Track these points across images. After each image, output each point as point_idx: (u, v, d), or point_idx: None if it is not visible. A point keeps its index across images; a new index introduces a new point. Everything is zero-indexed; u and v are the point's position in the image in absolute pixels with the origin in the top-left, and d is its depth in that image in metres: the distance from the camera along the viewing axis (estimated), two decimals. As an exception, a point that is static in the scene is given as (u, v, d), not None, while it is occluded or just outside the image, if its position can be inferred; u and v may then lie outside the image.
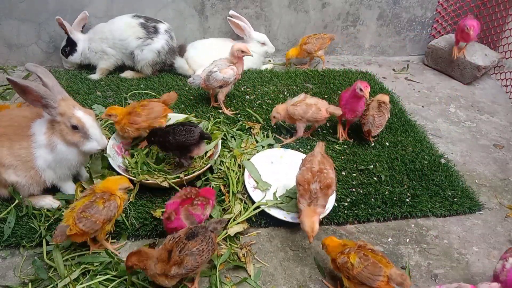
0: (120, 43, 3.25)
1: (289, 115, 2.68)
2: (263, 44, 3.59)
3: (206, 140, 2.35)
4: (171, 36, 3.34)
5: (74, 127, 1.98)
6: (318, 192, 2.00)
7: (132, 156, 2.47)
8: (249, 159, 2.50)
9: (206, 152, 2.49)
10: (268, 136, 2.78)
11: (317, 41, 3.61)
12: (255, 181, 2.36)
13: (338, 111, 2.68)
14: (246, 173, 2.38)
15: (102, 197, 1.87)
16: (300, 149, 2.72)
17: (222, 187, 2.34)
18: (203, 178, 2.34)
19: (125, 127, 2.41)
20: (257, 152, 2.59)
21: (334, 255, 1.81)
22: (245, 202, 2.26)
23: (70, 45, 3.30)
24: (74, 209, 1.85)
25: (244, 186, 2.33)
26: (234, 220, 2.15)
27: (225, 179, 2.38)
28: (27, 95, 1.91)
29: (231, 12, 3.57)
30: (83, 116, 2.00)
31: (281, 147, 2.68)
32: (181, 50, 3.46)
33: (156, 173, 2.33)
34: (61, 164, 2.07)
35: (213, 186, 2.32)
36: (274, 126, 2.87)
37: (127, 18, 3.25)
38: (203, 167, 2.32)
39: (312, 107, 2.65)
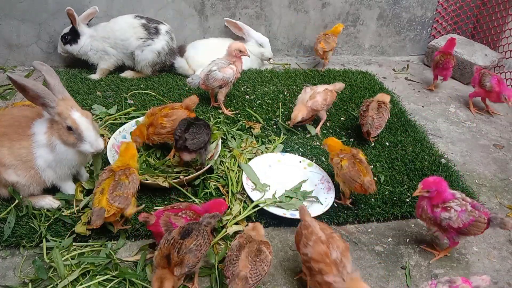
0: (121, 43, 3.25)
1: (313, 110, 2.78)
2: (260, 45, 3.57)
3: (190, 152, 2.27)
4: (171, 37, 3.34)
5: (69, 128, 1.98)
6: None
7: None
8: (249, 160, 2.50)
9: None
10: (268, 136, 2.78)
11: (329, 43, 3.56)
12: (254, 183, 2.35)
13: (341, 85, 2.92)
14: (245, 175, 2.38)
15: (124, 174, 1.97)
16: (300, 149, 2.72)
17: (221, 188, 2.34)
18: (202, 178, 2.34)
19: (151, 137, 2.41)
20: (259, 152, 2.60)
21: (333, 155, 2.31)
22: (244, 202, 2.26)
23: (73, 35, 3.26)
24: (104, 192, 1.91)
25: (243, 187, 2.33)
26: (234, 218, 2.15)
27: (224, 178, 2.38)
28: (26, 93, 1.92)
29: (226, 19, 3.58)
30: (79, 118, 1.99)
31: (278, 152, 2.66)
32: (180, 50, 3.46)
33: (156, 172, 2.33)
34: (61, 164, 2.07)
35: (211, 187, 2.33)
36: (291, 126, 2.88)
37: (130, 18, 3.24)
38: (203, 168, 2.32)
39: (327, 92, 2.80)
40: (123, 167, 2.01)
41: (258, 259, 1.71)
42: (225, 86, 2.90)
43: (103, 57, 3.32)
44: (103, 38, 3.25)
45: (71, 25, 3.23)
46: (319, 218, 2.22)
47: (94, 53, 3.30)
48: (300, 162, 2.57)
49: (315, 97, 2.77)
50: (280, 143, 2.73)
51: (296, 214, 2.16)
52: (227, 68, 2.84)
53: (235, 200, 2.26)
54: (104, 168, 2.06)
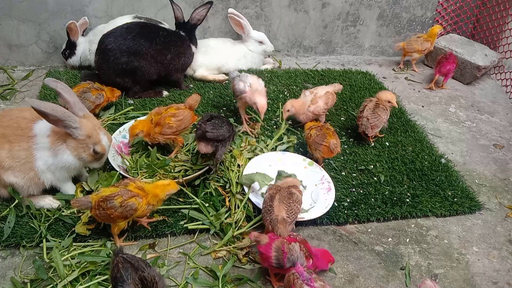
0: (120, 44, 3.24)
1: (314, 114, 2.77)
2: (261, 42, 3.56)
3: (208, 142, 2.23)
4: (171, 37, 3.33)
5: (95, 152, 2.03)
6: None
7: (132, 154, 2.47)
8: (249, 159, 2.50)
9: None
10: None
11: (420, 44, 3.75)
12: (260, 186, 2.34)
13: (339, 87, 2.96)
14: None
15: (122, 196, 1.87)
16: (301, 149, 2.72)
17: (219, 189, 2.33)
18: (202, 178, 2.34)
19: (154, 137, 2.38)
20: (258, 151, 2.61)
21: (305, 130, 2.55)
22: (245, 202, 2.25)
23: (70, 48, 3.30)
24: (99, 194, 1.89)
25: (243, 187, 2.32)
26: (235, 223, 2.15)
27: (224, 178, 2.38)
28: (47, 118, 1.91)
29: (230, 10, 3.55)
30: (106, 144, 2.07)
31: (279, 150, 2.66)
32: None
33: (159, 171, 2.33)
34: (62, 169, 2.08)
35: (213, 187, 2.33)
36: (288, 120, 2.87)
37: (129, 19, 3.23)
38: (203, 168, 2.32)
39: (328, 95, 2.81)
40: (137, 190, 1.91)
41: (291, 201, 1.97)
42: (239, 100, 2.74)
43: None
44: None
45: (67, 38, 3.26)
46: (319, 219, 2.23)
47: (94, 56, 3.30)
48: (301, 161, 2.56)
49: (317, 102, 2.76)
50: (294, 143, 2.74)
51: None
52: (241, 82, 2.68)
53: (235, 201, 2.25)
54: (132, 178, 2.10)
